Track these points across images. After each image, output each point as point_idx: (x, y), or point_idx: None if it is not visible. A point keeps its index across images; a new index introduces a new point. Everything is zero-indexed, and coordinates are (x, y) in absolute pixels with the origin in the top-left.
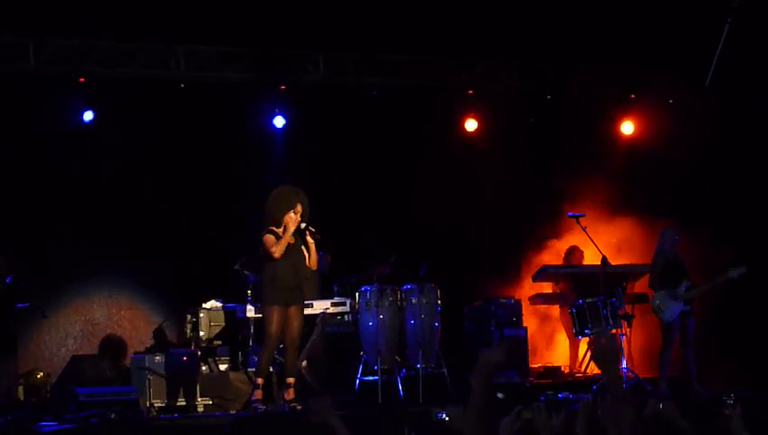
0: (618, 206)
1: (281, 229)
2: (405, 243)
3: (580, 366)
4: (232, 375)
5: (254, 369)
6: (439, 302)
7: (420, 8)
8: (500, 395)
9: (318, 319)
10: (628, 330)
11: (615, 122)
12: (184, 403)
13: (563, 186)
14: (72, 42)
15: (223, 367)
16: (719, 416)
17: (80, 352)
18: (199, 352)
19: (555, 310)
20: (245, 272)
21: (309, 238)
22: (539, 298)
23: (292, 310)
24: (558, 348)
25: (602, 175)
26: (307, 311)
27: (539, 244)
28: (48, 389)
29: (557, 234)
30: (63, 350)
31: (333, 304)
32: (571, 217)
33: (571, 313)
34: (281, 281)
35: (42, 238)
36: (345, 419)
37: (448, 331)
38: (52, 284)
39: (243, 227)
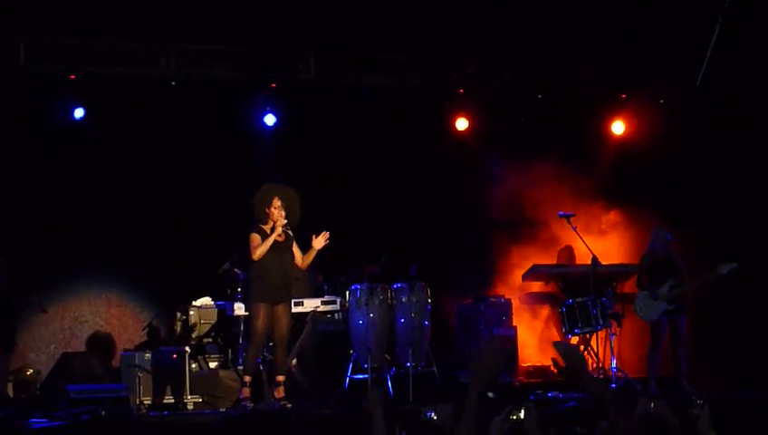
0: (608, 205)
1: (268, 226)
2: (395, 242)
3: None
4: (222, 373)
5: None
6: (429, 300)
7: (412, 8)
8: (490, 395)
9: (308, 317)
10: (617, 329)
11: (606, 122)
12: (173, 401)
13: (554, 185)
14: (64, 40)
15: (213, 365)
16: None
17: (69, 350)
18: (189, 350)
19: (545, 309)
20: (236, 270)
21: (315, 243)
22: (529, 297)
23: (280, 308)
24: (547, 347)
25: (593, 175)
26: (297, 309)
27: (529, 243)
28: (38, 386)
29: (547, 233)
30: (53, 347)
31: (324, 303)
32: (561, 216)
33: (561, 312)
34: (268, 279)
35: (31, 236)
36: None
37: (438, 329)
38: (41, 281)
39: (234, 224)
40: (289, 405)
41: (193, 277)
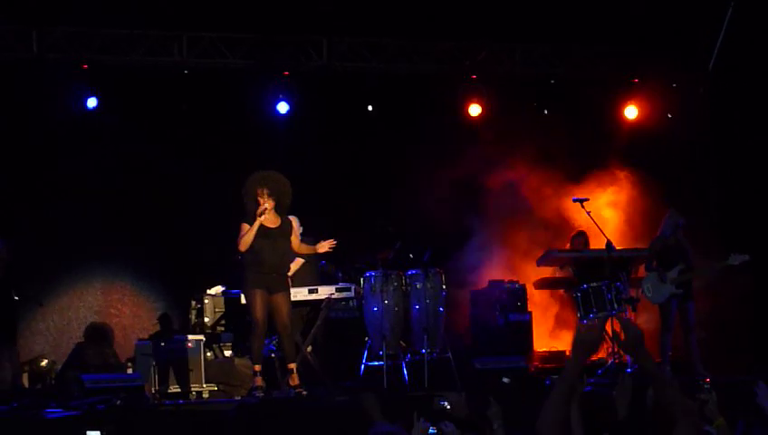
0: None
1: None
2: (410, 228)
3: None
4: (236, 361)
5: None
6: (444, 287)
7: None
8: (505, 380)
9: (323, 304)
10: (632, 314)
11: (619, 107)
12: (189, 389)
13: (567, 170)
14: (75, 29)
15: (227, 353)
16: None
17: (83, 340)
18: (204, 339)
19: (560, 294)
20: None
21: (319, 247)
22: (544, 283)
23: (278, 297)
24: (562, 333)
25: (606, 159)
26: (312, 296)
27: (543, 228)
28: (53, 376)
29: (562, 218)
30: (66, 337)
31: (338, 290)
32: (575, 201)
33: (576, 297)
34: (261, 265)
35: (44, 224)
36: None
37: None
38: (53, 270)
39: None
40: (304, 392)
41: (207, 266)
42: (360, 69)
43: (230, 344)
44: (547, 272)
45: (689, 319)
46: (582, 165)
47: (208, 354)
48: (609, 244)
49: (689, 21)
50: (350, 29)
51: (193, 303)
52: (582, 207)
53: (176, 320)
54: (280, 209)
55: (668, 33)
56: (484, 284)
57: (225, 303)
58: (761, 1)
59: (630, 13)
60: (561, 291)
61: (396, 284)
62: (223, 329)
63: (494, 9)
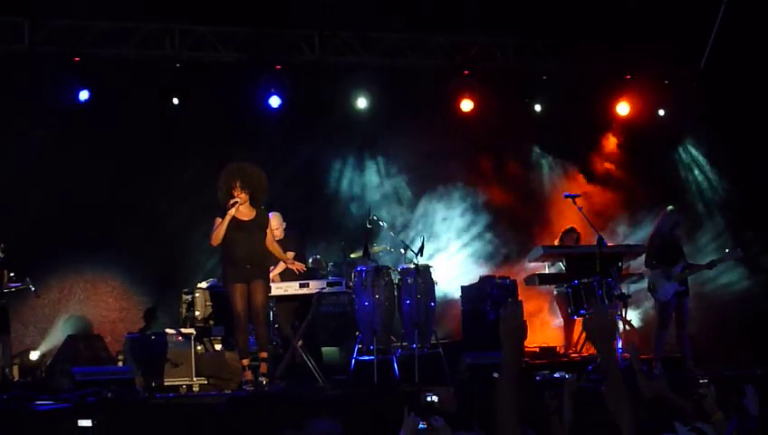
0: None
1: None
2: (401, 222)
3: (576, 346)
4: (227, 355)
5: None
6: (435, 282)
7: None
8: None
9: (314, 299)
10: (623, 310)
11: (611, 103)
12: (179, 383)
13: (559, 166)
14: (68, 22)
15: (218, 347)
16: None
17: (70, 333)
18: (195, 332)
19: (550, 290)
20: None
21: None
22: (534, 278)
23: (255, 286)
24: (552, 329)
25: (597, 155)
26: (303, 291)
27: (534, 223)
28: (43, 369)
29: (553, 214)
30: (52, 331)
31: (329, 284)
32: (567, 197)
33: (567, 293)
34: (236, 259)
35: (33, 218)
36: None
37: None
38: (43, 263)
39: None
40: (265, 382)
41: (197, 260)
42: (351, 63)
43: (220, 338)
44: (538, 268)
45: (685, 315)
46: (574, 161)
47: (199, 348)
48: (600, 239)
49: (682, 17)
50: (342, 23)
51: (183, 297)
52: (574, 202)
53: (166, 314)
54: (254, 202)
55: (661, 29)
56: (475, 279)
57: (215, 297)
58: None
59: (623, 9)
60: (552, 287)
61: (387, 279)
62: (213, 323)
63: (486, 4)
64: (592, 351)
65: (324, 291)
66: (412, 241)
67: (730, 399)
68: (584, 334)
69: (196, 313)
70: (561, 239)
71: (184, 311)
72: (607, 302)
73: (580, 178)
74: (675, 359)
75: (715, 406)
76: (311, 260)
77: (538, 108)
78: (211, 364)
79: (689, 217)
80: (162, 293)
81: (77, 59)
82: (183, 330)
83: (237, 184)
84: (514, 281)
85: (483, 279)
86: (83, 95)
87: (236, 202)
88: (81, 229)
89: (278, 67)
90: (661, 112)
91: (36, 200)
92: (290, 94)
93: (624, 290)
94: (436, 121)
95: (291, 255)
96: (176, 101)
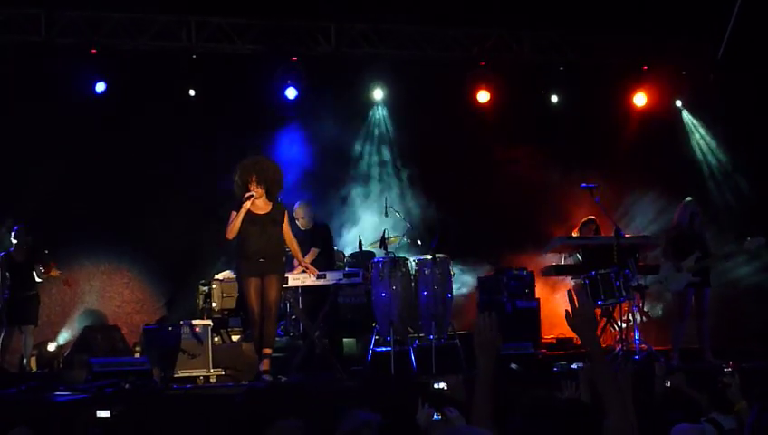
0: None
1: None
2: (419, 214)
3: None
4: (244, 346)
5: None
6: (452, 273)
7: None
8: (513, 366)
9: (331, 290)
10: (640, 301)
11: (628, 94)
12: (196, 374)
13: (575, 157)
14: (84, 13)
15: (235, 338)
16: (717, 383)
17: (87, 324)
18: (212, 324)
19: (567, 281)
20: None
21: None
22: (551, 269)
23: (269, 280)
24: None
25: (615, 146)
26: (320, 282)
27: (552, 215)
28: (61, 360)
29: (570, 205)
30: (73, 321)
31: (346, 275)
32: (584, 188)
33: (584, 283)
34: (251, 253)
35: (49, 209)
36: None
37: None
38: (60, 254)
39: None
40: (269, 378)
41: (215, 251)
42: (368, 55)
43: (238, 329)
44: (555, 259)
45: (704, 306)
46: (591, 152)
47: (216, 339)
48: (617, 230)
49: (699, 8)
50: (358, 15)
51: (200, 288)
52: (591, 194)
53: (183, 305)
54: (270, 196)
55: (678, 20)
56: (491, 270)
57: (232, 288)
58: None
59: (640, 0)
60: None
61: (404, 270)
62: (230, 314)
63: None
64: (609, 341)
65: (341, 282)
66: (428, 232)
67: (753, 388)
68: (601, 325)
69: (213, 304)
70: (580, 230)
71: (201, 302)
72: (624, 293)
73: (597, 168)
74: (693, 350)
75: (739, 395)
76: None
77: (555, 99)
78: (228, 355)
79: (707, 208)
80: (179, 284)
81: (93, 51)
82: (200, 321)
83: (253, 178)
84: (531, 272)
85: (499, 270)
86: (100, 87)
87: (252, 196)
88: (96, 221)
89: (294, 59)
90: (678, 103)
91: (52, 192)
92: (306, 86)
93: (642, 281)
94: (452, 112)
95: (314, 252)
96: (192, 92)
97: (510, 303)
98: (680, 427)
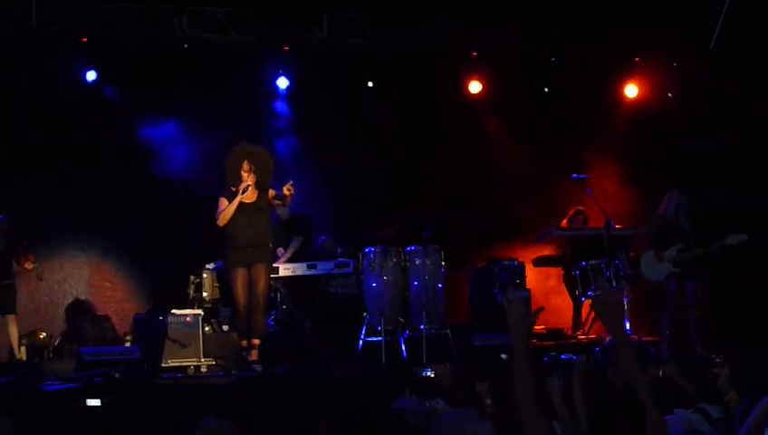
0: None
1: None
2: (409, 204)
3: (584, 328)
4: (234, 335)
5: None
6: (443, 263)
7: None
8: (504, 356)
9: (321, 280)
10: (630, 293)
11: (619, 85)
12: (187, 363)
13: (567, 148)
14: (75, 1)
15: (225, 327)
16: (707, 374)
17: (77, 314)
18: (202, 313)
19: (558, 272)
20: None
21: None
22: (543, 260)
23: (257, 270)
24: (560, 310)
25: (606, 137)
26: (311, 272)
27: (543, 206)
28: (51, 349)
29: (561, 196)
30: (62, 310)
31: (337, 265)
32: (575, 178)
33: (575, 274)
34: (239, 242)
35: (38, 197)
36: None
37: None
38: (48, 243)
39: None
40: (259, 368)
41: (205, 240)
42: (360, 45)
43: (228, 319)
44: (546, 250)
45: (688, 297)
46: (582, 143)
47: (206, 329)
48: (608, 221)
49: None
50: (351, 5)
51: (191, 277)
52: (582, 184)
53: (173, 295)
54: (259, 185)
55: (669, 11)
56: (482, 261)
57: (223, 278)
58: None
59: None
60: (560, 269)
61: (395, 260)
62: (221, 304)
63: None
64: (600, 332)
65: (332, 272)
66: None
67: (743, 380)
68: (592, 316)
69: (204, 293)
70: (569, 221)
71: (191, 292)
72: (615, 284)
73: (589, 160)
74: (682, 341)
75: (729, 386)
76: (320, 240)
77: (546, 90)
78: (218, 345)
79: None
80: (169, 274)
81: (84, 39)
82: (190, 311)
83: (246, 166)
84: (522, 263)
85: (490, 261)
86: (91, 75)
87: (248, 186)
88: (86, 210)
89: (286, 48)
90: (670, 95)
91: (40, 180)
92: (298, 76)
93: (632, 272)
94: (444, 103)
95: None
96: (185, 81)
97: (501, 293)
98: (668, 417)
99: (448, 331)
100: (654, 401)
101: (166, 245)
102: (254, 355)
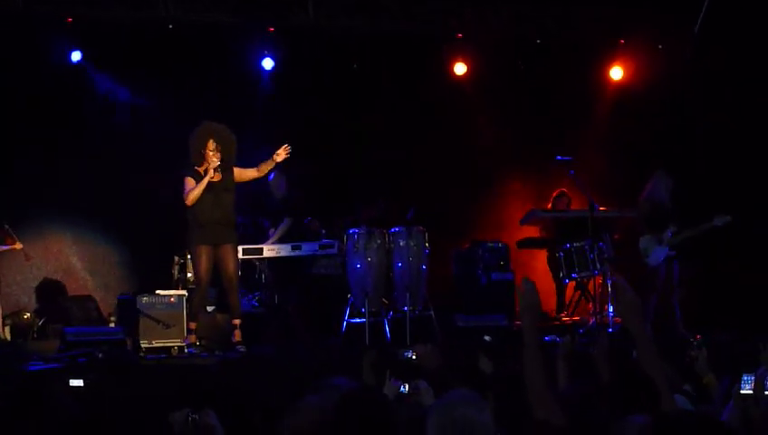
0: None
1: (203, 168)
2: (393, 186)
3: (568, 310)
4: (219, 317)
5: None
6: (427, 245)
7: None
8: (487, 338)
9: (306, 261)
10: (614, 274)
11: (604, 67)
12: (171, 344)
13: (552, 130)
14: None
15: (210, 308)
16: (685, 357)
17: (62, 294)
18: (186, 294)
19: (542, 254)
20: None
21: (276, 157)
22: (527, 242)
23: (224, 249)
24: (544, 292)
25: (591, 120)
26: (295, 253)
27: (527, 187)
28: (35, 329)
29: (545, 178)
30: (47, 291)
31: (321, 247)
32: (559, 160)
33: (559, 256)
34: (205, 221)
35: (23, 177)
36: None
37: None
38: (33, 223)
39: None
40: (243, 349)
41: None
42: (346, 26)
43: (212, 300)
44: (530, 231)
45: (674, 279)
46: (567, 125)
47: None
48: (592, 203)
49: None
50: None
51: (176, 258)
52: (566, 166)
53: (158, 275)
54: (224, 163)
55: None
56: (466, 242)
57: None
58: None
59: None
60: (544, 251)
61: (379, 241)
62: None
63: None
64: (584, 314)
65: (316, 253)
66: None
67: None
68: (576, 298)
69: (188, 274)
70: (552, 203)
71: (176, 273)
72: (599, 266)
73: (573, 141)
74: (665, 323)
75: (707, 368)
76: (306, 221)
77: (531, 72)
78: (203, 326)
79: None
80: (154, 254)
81: (69, 20)
82: (175, 292)
83: (211, 145)
84: (506, 245)
85: (474, 243)
86: (75, 56)
87: (218, 166)
88: (70, 190)
89: (271, 29)
90: (655, 77)
91: (24, 160)
92: (283, 57)
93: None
94: (429, 85)
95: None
96: (170, 61)
97: (485, 275)
98: None
99: (432, 312)
100: (669, 393)
101: (151, 225)
102: (237, 335)
